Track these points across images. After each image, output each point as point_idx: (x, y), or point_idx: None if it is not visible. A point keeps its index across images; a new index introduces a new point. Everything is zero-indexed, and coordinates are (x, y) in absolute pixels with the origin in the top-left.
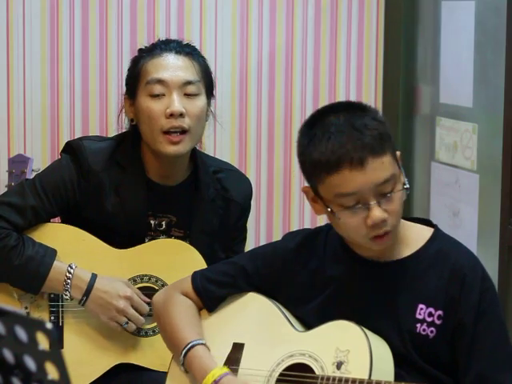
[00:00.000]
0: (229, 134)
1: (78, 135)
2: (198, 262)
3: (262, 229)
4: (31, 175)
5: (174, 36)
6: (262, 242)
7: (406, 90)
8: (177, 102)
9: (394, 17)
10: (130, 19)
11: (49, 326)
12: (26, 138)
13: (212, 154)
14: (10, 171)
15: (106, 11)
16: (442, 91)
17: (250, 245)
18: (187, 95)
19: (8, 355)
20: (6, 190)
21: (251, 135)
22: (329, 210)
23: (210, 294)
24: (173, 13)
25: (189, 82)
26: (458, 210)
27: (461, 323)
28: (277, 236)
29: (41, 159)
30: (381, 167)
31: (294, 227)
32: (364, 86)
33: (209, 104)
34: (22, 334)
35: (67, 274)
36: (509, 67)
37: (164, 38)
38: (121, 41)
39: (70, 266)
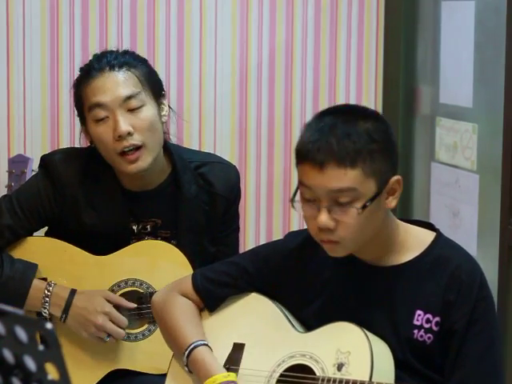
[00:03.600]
0: (229, 134)
1: (78, 135)
2: (181, 262)
3: (262, 229)
4: (31, 175)
5: (173, 36)
6: (262, 242)
7: (406, 91)
8: (121, 123)
9: (393, 17)
10: (130, 19)
11: (49, 326)
12: (26, 138)
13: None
14: (9, 171)
15: (106, 11)
16: (442, 91)
17: (249, 245)
18: (131, 110)
19: (8, 355)
20: (5, 190)
21: (251, 135)
22: (296, 194)
23: (211, 293)
24: (173, 13)
25: (129, 97)
26: (458, 210)
27: (452, 328)
28: (277, 236)
29: None
30: (340, 177)
31: (294, 227)
32: (364, 86)
33: (163, 104)
34: (21, 334)
35: (46, 292)
36: (509, 67)
37: (100, 52)
38: (121, 41)
39: (48, 283)
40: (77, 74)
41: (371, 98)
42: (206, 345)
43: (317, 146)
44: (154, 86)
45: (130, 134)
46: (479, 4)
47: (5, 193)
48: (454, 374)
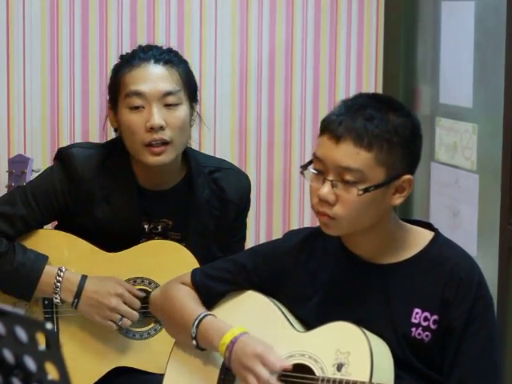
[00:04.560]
0: (229, 133)
1: (77, 135)
2: (191, 263)
3: (262, 229)
4: (31, 175)
5: (174, 36)
6: (262, 242)
7: (406, 91)
8: (156, 116)
9: (393, 17)
10: (130, 19)
11: (49, 326)
12: (26, 138)
13: (212, 154)
14: (9, 171)
15: (106, 11)
16: (442, 91)
17: (249, 245)
18: (167, 106)
19: (8, 355)
20: (5, 190)
21: (251, 135)
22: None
23: (209, 290)
24: (173, 13)
25: (168, 93)
26: (458, 210)
27: (451, 326)
28: (277, 236)
29: (41, 159)
30: (353, 156)
31: (294, 227)
32: (364, 86)
33: (193, 108)
34: (21, 334)
35: (57, 278)
36: (509, 67)
37: (144, 44)
38: (121, 41)
39: (59, 269)
40: (77, 73)
41: None
42: (213, 315)
43: (340, 119)
44: (192, 89)
45: (162, 128)
46: (479, 4)
47: (5, 193)
48: (452, 373)
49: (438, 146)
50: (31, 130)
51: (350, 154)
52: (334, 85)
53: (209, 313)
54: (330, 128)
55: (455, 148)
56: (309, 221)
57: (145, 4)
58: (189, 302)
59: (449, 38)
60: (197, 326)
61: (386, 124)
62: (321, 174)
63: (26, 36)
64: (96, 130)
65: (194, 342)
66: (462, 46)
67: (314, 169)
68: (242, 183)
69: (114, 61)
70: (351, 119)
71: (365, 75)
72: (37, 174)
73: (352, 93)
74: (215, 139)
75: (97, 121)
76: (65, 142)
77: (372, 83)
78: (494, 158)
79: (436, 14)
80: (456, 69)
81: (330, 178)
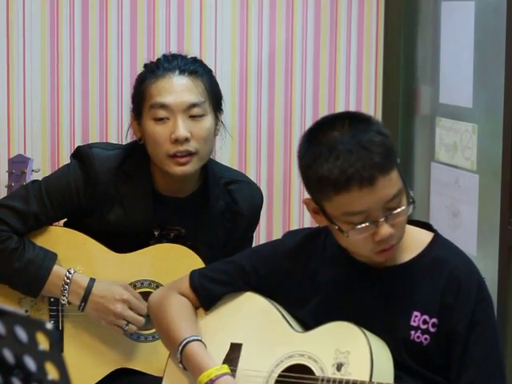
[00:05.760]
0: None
1: (78, 136)
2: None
3: (262, 229)
4: (31, 175)
5: (174, 36)
6: (262, 242)
7: (406, 91)
8: (181, 127)
9: (393, 17)
10: (130, 19)
11: (49, 326)
12: (26, 138)
13: (211, 156)
14: (9, 171)
15: (106, 11)
16: (442, 91)
17: None
18: (192, 117)
19: (8, 355)
20: (5, 190)
21: (251, 135)
22: (336, 227)
23: (207, 292)
24: (173, 12)
25: (193, 105)
26: (458, 210)
27: (453, 331)
28: (277, 236)
29: (41, 160)
30: (389, 184)
31: (294, 227)
32: (364, 86)
33: (218, 118)
34: (21, 334)
35: (65, 279)
36: (509, 67)
37: (168, 53)
38: (121, 40)
39: (68, 271)
40: (77, 73)
41: (371, 98)
42: (200, 340)
43: (356, 166)
44: (216, 99)
45: (187, 139)
46: (479, 4)
47: (5, 193)
48: (460, 377)
49: (438, 146)
50: (31, 130)
51: (387, 185)
52: (334, 85)
53: (192, 338)
54: (355, 179)
55: (455, 148)
56: (309, 221)
57: (145, 4)
58: (179, 321)
59: (449, 38)
60: (181, 352)
61: (381, 137)
62: (368, 222)
63: (26, 36)
64: (96, 130)
65: (181, 365)
66: (462, 46)
67: (357, 224)
68: (255, 198)
69: (114, 60)
70: (365, 157)
71: (365, 75)
72: (36, 174)
73: (352, 93)
74: (215, 139)
75: (97, 121)
76: (65, 142)
77: (372, 83)
78: (494, 157)
79: (436, 14)
80: (456, 69)
81: (381, 217)
